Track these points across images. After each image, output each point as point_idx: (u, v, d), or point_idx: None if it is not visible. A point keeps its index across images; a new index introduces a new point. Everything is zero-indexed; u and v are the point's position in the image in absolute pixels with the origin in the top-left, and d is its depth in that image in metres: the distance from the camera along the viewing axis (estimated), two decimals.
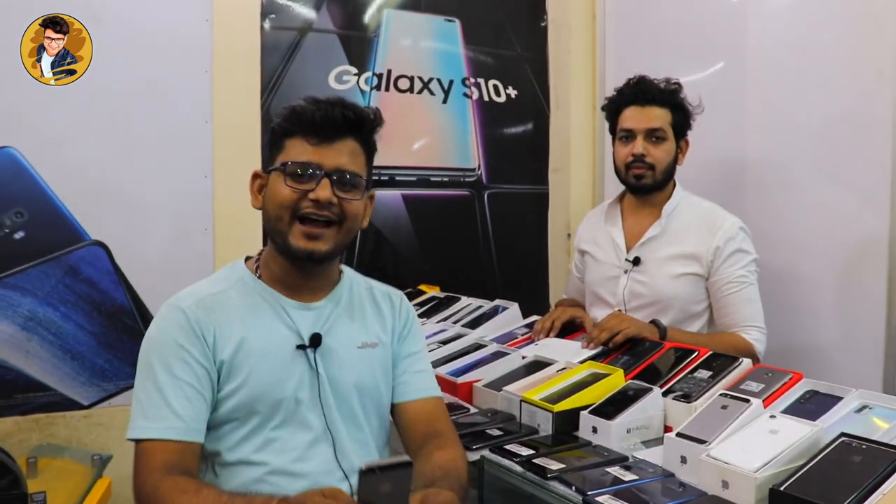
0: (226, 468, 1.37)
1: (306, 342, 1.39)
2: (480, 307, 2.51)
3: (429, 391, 1.53)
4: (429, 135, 3.06)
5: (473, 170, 3.14)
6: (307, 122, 1.35)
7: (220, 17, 2.60)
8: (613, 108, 2.27)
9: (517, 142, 3.25)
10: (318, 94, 2.68)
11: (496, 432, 1.66)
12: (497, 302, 2.48)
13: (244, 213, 2.62)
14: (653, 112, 2.19)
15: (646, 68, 2.31)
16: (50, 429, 2.43)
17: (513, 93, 3.21)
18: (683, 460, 1.39)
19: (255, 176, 1.46)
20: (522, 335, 2.26)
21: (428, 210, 3.05)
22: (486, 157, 3.16)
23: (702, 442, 1.38)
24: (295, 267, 1.41)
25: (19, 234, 2.35)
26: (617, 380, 1.75)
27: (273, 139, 1.42)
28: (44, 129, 2.37)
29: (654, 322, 2.08)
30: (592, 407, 1.65)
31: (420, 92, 3.01)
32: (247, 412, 1.36)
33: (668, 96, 2.19)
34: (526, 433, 1.66)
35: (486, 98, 3.15)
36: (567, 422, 1.66)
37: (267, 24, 2.72)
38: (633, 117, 2.20)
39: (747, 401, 1.46)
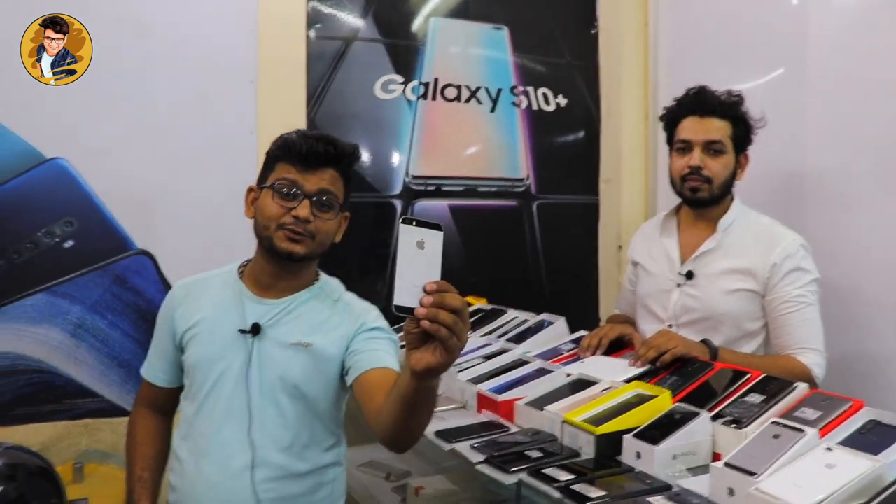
0: (180, 420, 1.69)
1: (247, 328, 1.61)
2: (526, 321, 2.45)
3: (380, 362, 1.56)
4: (476, 144, 3.02)
5: (522, 180, 3.09)
6: (295, 152, 1.58)
7: (265, 28, 2.61)
8: (671, 118, 2.19)
9: (567, 151, 3.18)
10: (364, 104, 2.79)
11: (536, 454, 1.60)
12: (543, 316, 2.42)
13: None
14: (712, 124, 2.10)
15: (699, 76, 2.23)
16: (97, 434, 2.46)
17: (563, 101, 3.15)
18: (731, 492, 1.32)
19: (250, 190, 1.69)
20: (568, 351, 2.19)
21: (475, 221, 3.01)
22: (536, 166, 3.11)
23: (751, 473, 1.30)
24: (272, 266, 1.64)
25: (69, 244, 2.39)
26: (663, 402, 1.67)
27: (267, 162, 1.65)
28: (92, 140, 2.40)
29: (704, 341, 2.00)
30: (637, 430, 1.58)
31: (468, 101, 2.97)
32: (191, 378, 1.64)
33: (728, 108, 2.10)
34: (567, 455, 1.60)
35: (535, 107, 3.09)
36: (610, 445, 1.59)
37: (312, 34, 2.71)
38: (692, 128, 2.12)
39: (801, 430, 1.38)
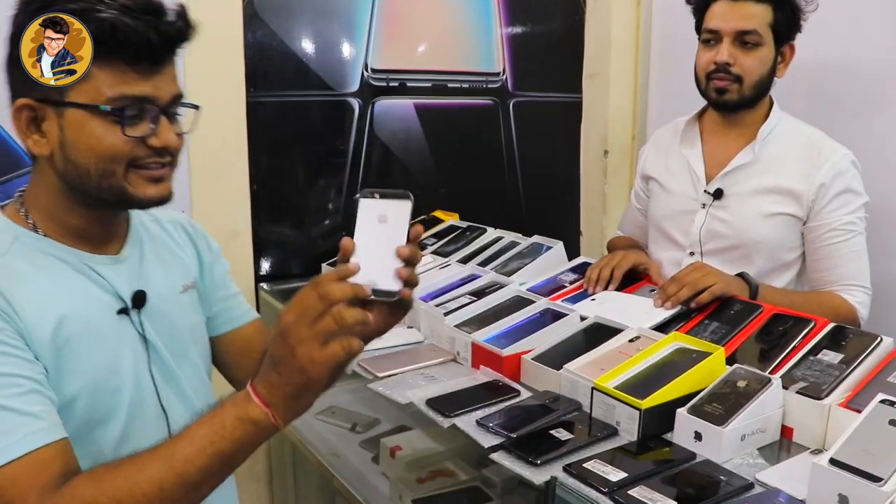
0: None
1: (129, 303, 1.09)
2: (515, 244, 2.07)
3: (251, 313, 1.36)
4: (446, 32, 2.55)
5: (498, 74, 2.65)
6: (130, 44, 0.97)
7: None
8: (700, 2, 1.79)
9: (548, 42, 2.74)
10: None
11: (564, 435, 1.27)
12: (535, 239, 2.05)
13: None
14: (747, 9, 1.71)
15: None
16: None
17: None
18: (844, 501, 1.01)
19: (24, 108, 1.00)
20: (571, 283, 1.85)
21: (445, 122, 2.57)
22: (513, 59, 2.66)
23: (875, 479, 0.99)
24: (101, 215, 1.09)
25: None
26: (717, 363, 1.35)
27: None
28: None
29: (741, 275, 1.68)
30: (692, 403, 1.26)
31: None
32: (86, 425, 1.02)
33: None
34: (602, 434, 1.27)
35: None
36: (656, 420, 1.27)
37: None
38: (722, 15, 1.73)
39: None
